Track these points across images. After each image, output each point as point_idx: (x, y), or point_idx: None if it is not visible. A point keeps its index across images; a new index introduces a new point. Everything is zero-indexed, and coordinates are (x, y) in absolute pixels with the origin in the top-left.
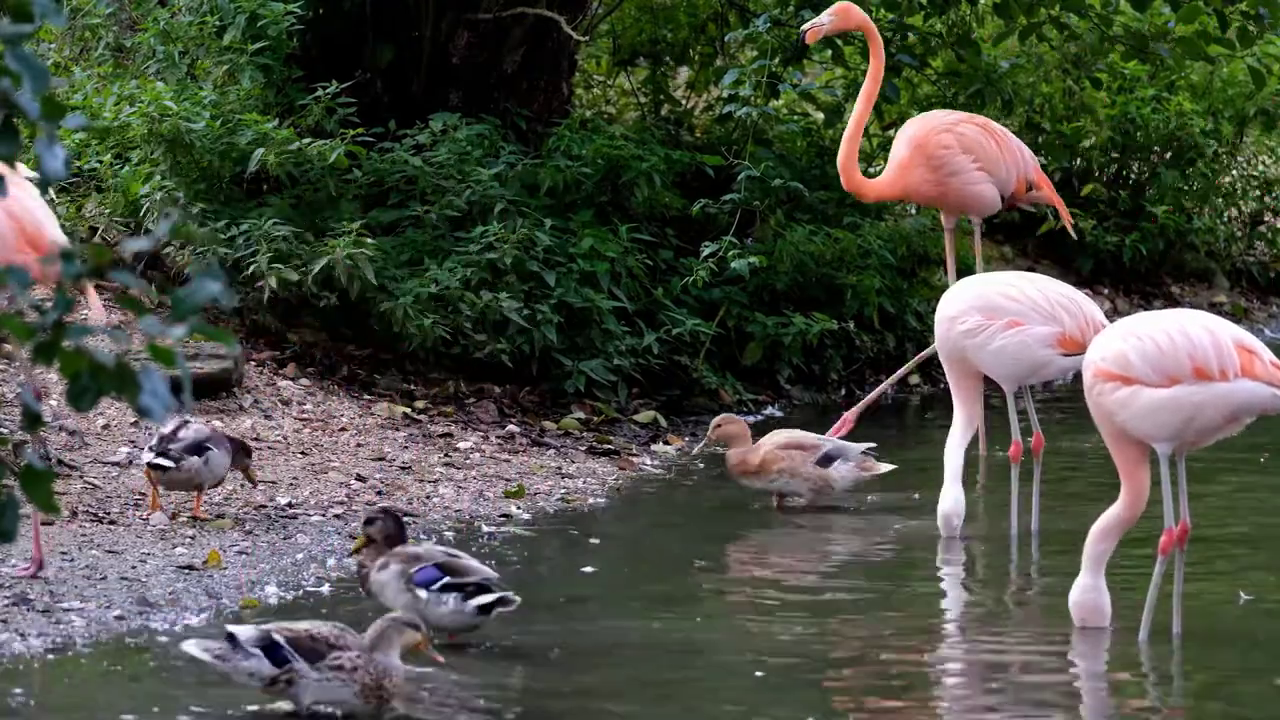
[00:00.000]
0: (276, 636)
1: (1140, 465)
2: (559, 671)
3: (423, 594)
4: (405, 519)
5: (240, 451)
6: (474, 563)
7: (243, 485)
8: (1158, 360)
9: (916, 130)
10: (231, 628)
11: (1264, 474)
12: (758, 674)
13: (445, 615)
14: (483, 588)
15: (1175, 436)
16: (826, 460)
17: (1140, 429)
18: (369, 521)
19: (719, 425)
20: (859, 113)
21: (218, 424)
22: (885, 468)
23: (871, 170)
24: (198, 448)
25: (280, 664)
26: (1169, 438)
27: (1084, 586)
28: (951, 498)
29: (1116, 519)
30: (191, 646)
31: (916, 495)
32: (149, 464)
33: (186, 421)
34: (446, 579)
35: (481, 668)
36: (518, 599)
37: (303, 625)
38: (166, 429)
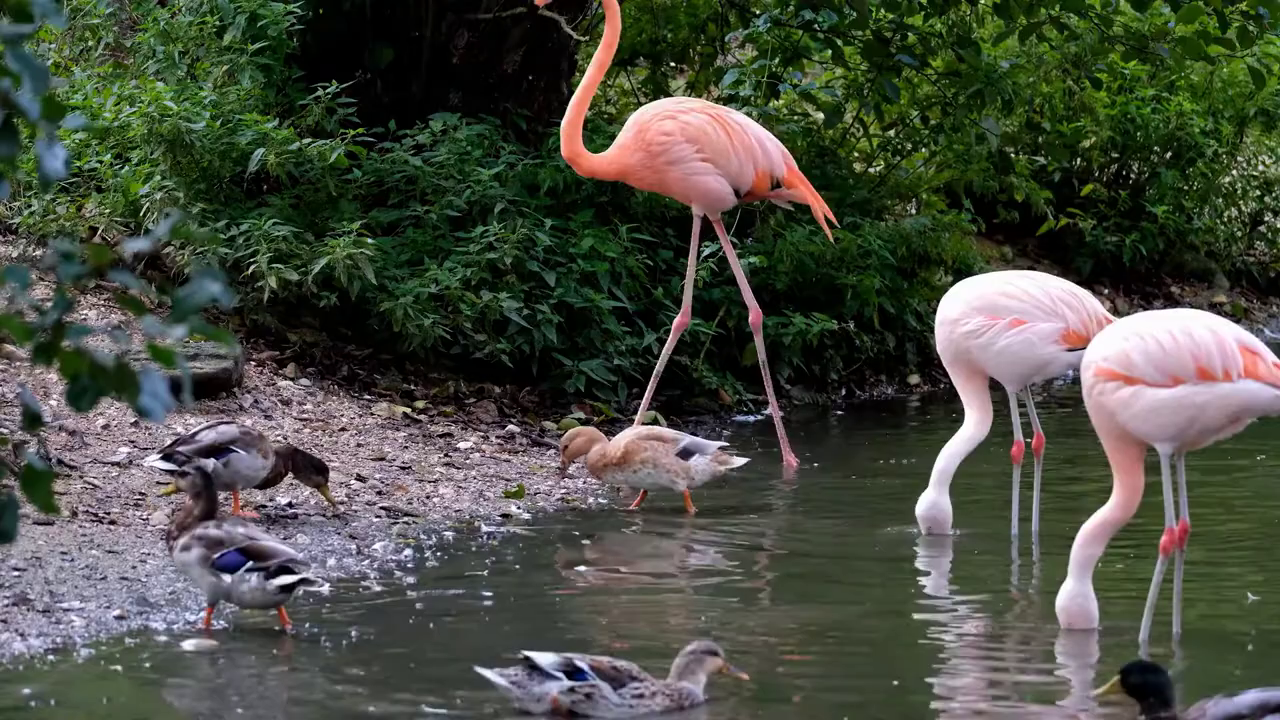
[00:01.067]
0: (580, 662)
1: (1136, 466)
2: None
3: (226, 577)
4: (405, 519)
5: (316, 471)
6: (276, 544)
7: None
8: (1161, 360)
9: (642, 114)
10: (529, 653)
11: (1267, 474)
12: (757, 674)
13: (247, 594)
14: (285, 568)
15: (1177, 437)
16: (685, 454)
17: (1142, 429)
18: (181, 474)
19: (566, 446)
20: (589, 79)
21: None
22: (740, 461)
23: (872, 171)
24: (213, 451)
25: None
26: (1171, 438)
27: (1072, 592)
28: (928, 501)
29: (1107, 521)
30: (487, 672)
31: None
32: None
33: (213, 425)
34: (250, 563)
35: (478, 665)
36: (320, 582)
37: (605, 657)
38: (191, 431)
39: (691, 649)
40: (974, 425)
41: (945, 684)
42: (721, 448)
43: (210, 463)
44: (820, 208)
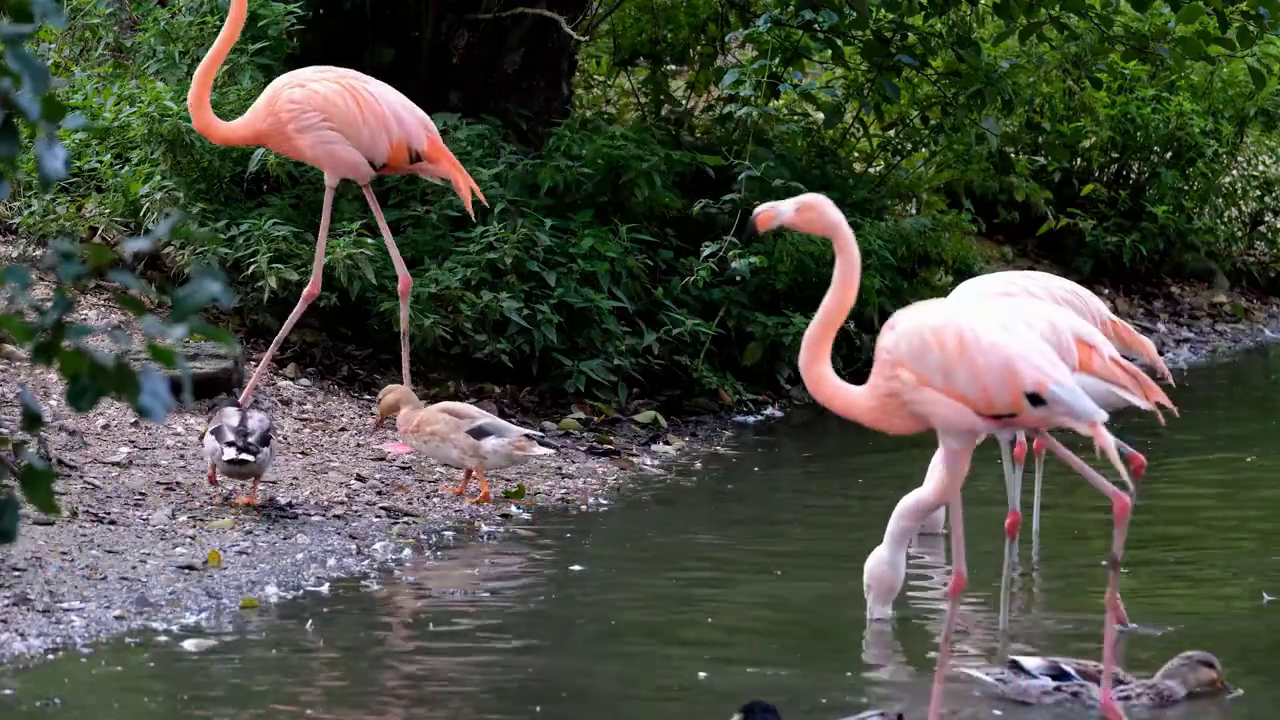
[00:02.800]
0: (1066, 665)
1: (965, 454)
2: (558, 671)
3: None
4: (405, 519)
5: None
6: None
7: (243, 486)
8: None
9: (277, 82)
10: (1017, 658)
11: (1267, 474)
12: (755, 675)
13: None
14: None
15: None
16: (479, 433)
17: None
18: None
19: (381, 398)
20: (215, 51)
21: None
22: (541, 451)
23: (872, 171)
24: (266, 438)
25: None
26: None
27: (882, 559)
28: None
29: (923, 501)
30: (975, 672)
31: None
32: (231, 460)
33: (245, 413)
34: None
35: (481, 667)
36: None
37: (1090, 661)
38: (233, 421)
39: (1188, 656)
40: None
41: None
42: (528, 436)
43: (266, 451)
44: (466, 184)
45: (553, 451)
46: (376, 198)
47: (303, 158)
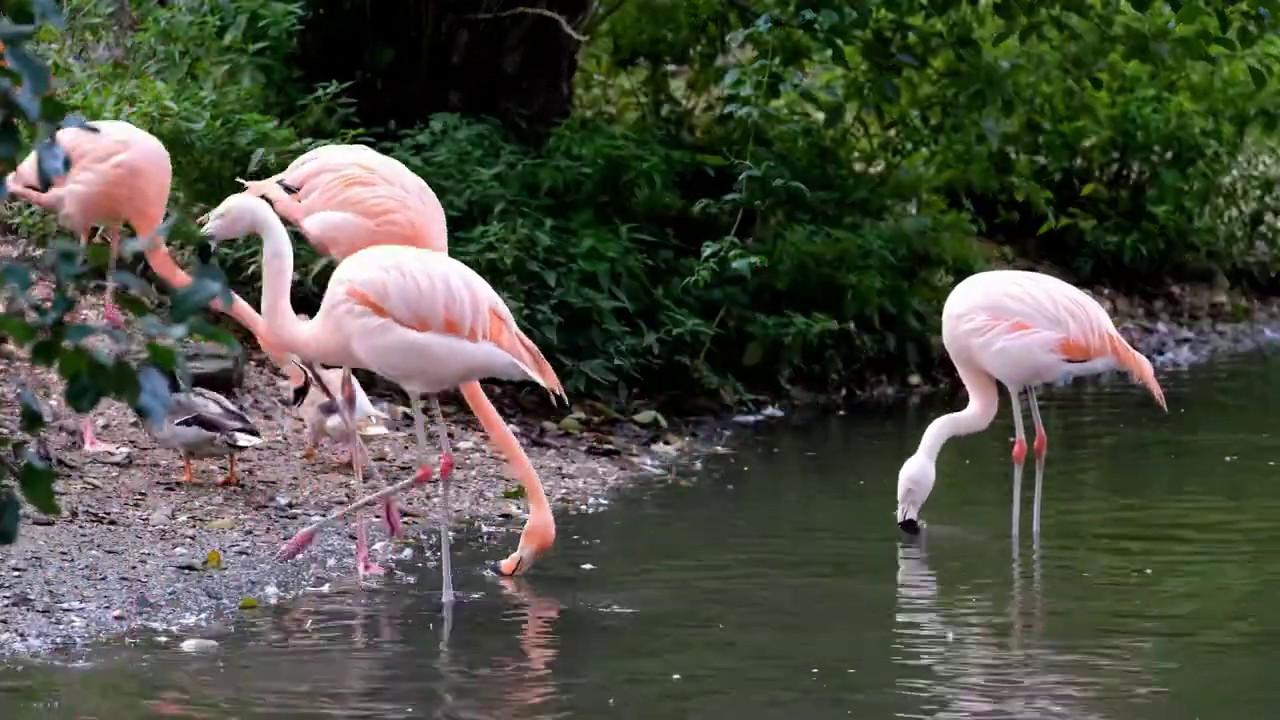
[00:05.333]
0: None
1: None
2: (558, 671)
3: None
4: (405, 519)
5: None
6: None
7: (244, 486)
8: (416, 301)
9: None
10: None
11: (1265, 474)
12: (757, 677)
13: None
14: None
15: (413, 378)
16: (328, 410)
17: (382, 362)
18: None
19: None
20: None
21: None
22: (381, 430)
23: (872, 171)
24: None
25: None
26: (408, 378)
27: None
28: (916, 465)
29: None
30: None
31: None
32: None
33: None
34: None
35: (482, 667)
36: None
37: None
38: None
39: None
40: (974, 412)
41: (946, 684)
42: (381, 419)
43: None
44: None
45: (388, 432)
46: None
47: None
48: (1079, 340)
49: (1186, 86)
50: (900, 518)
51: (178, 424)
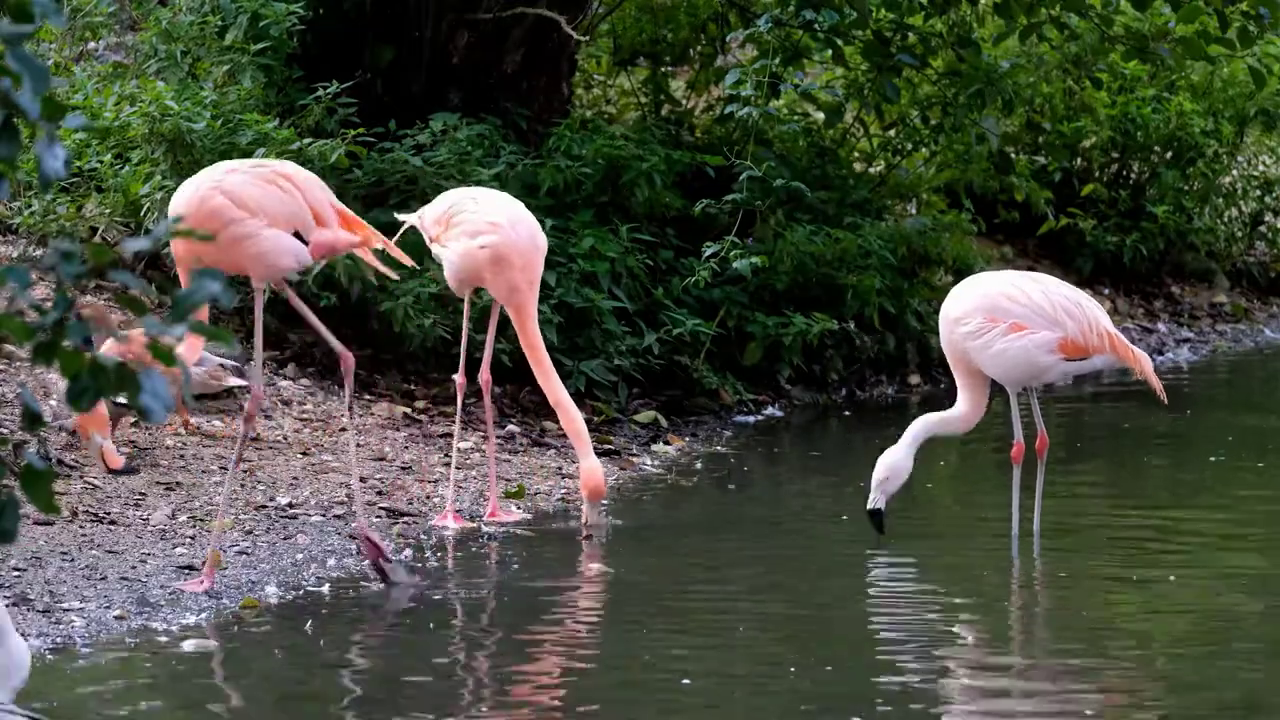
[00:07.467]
0: None
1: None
2: (559, 671)
3: None
4: (405, 519)
5: None
6: None
7: (244, 485)
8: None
9: None
10: None
11: (1265, 475)
12: (757, 677)
13: None
14: None
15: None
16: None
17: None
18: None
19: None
20: None
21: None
22: (235, 381)
23: (872, 171)
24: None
25: None
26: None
27: (898, 453)
28: (897, 454)
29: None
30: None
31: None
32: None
33: None
34: None
35: (482, 667)
36: None
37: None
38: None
39: None
40: (960, 414)
41: (946, 684)
42: (223, 365)
43: None
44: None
45: (242, 382)
46: (377, 201)
47: None
48: (1077, 339)
49: (1186, 86)
50: (869, 504)
51: None
